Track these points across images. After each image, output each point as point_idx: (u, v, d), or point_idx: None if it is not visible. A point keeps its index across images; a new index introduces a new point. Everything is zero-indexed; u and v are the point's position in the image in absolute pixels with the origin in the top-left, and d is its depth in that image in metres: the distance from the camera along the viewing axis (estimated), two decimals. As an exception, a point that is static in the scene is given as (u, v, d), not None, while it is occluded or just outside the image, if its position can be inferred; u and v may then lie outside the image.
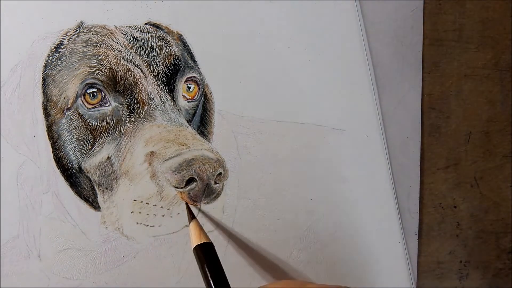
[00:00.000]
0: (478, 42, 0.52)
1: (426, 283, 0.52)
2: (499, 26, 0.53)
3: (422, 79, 0.51)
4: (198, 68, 0.48)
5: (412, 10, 0.51)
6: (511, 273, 0.53)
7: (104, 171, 0.44)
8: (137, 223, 0.45)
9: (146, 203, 0.44)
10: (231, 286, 0.38)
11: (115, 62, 0.44)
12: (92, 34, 0.45)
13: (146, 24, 0.47)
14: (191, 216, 0.43)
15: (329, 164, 0.49)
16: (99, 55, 0.44)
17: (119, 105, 0.44)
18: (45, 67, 0.45)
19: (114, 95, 0.44)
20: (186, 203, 0.45)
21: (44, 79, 0.45)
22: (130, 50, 0.45)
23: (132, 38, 0.46)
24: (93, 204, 0.46)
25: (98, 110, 0.44)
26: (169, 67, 0.46)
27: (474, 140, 0.53)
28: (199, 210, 0.46)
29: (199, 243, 0.40)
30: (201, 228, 0.42)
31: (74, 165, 0.45)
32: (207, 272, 0.38)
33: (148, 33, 0.46)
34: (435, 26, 0.52)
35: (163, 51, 0.46)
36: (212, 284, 0.37)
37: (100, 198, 0.45)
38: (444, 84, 0.52)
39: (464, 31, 0.52)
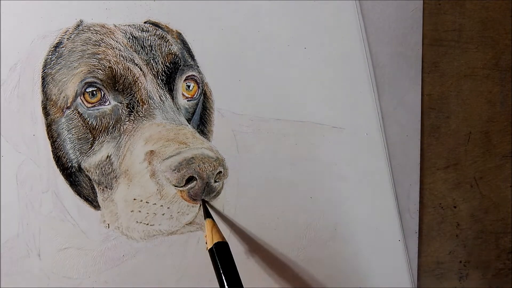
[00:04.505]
0: (478, 42, 0.52)
1: (426, 283, 0.52)
2: (499, 26, 0.53)
3: (422, 79, 0.51)
4: (198, 66, 0.48)
5: (412, 10, 0.51)
6: (511, 273, 0.53)
7: (104, 170, 0.44)
8: (137, 222, 0.44)
9: (146, 202, 0.44)
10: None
11: (115, 61, 0.44)
12: (92, 33, 0.45)
13: (145, 22, 0.47)
14: (206, 215, 0.44)
15: (328, 163, 0.49)
16: (99, 54, 0.44)
17: (118, 104, 0.44)
18: (45, 66, 0.45)
19: (113, 94, 0.44)
20: (203, 200, 0.45)
21: (43, 78, 0.45)
22: (129, 48, 0.45)
23: (131, 37, 0.46)
24: (93, 203, 0.46)
25: (97, 109, 0.44)
26: (169, 65, 0.46)
27: (474, 140, 0.53)
28: (199, 208, 0.46)
29: (214, 243, 0.41)
30: (215, 227, 0.43)
31: (73, 164, 0.45)
32: (222, 273, 0.39)
33: (148, 32, 0.46)
34: (435, 26, 0.52)
35: (163, 50, 0.46)
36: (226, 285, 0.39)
37: (99, 197, 0.45)
38: (444, 84, 0.52)
39: (464, 31, 0.52)
